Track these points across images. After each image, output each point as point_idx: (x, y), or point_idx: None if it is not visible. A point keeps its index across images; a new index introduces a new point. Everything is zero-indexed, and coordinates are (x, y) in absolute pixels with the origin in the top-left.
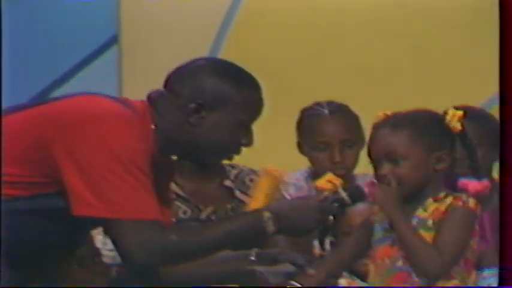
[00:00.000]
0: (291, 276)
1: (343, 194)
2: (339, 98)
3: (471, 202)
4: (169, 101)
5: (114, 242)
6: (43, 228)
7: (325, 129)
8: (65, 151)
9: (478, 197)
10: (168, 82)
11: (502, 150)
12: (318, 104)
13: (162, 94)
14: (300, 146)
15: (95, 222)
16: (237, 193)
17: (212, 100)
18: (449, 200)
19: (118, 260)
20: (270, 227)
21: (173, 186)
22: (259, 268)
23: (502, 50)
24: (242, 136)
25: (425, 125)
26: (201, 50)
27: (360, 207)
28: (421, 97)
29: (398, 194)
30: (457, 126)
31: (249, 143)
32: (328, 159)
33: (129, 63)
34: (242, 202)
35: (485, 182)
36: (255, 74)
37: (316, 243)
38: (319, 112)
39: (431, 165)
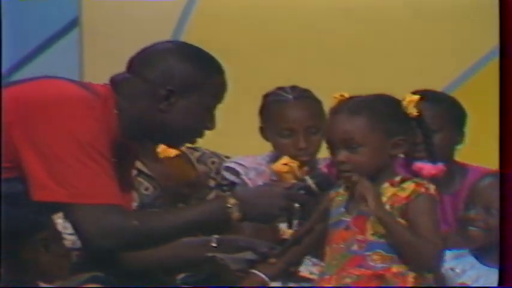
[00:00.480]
0: (252, 264)
1: (310, 182)
2: (302, 82)
3: (432, 188)
4: (135, 85)
5: (74, 227)
6: (6, 214)
7: (289, 115)
8: (24, 135)
9: (434, 180)
10: (132, 65)
11: (502, 149)
12: (282, 89)
13: (127, 78)
14: (263, 132)
15: (56, 207)
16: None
17: (182, 86)
18: (409, 185)
19: (78, 244)
20: (235, 213)
21: (137, 163)
22: (220, 255)
23: (502, 49)
24: (207, 120)
25: (382, 110)
26: (163, 33)
27: None
28: (383, 81)
29: (377, 189)
30: (413, 111)
31: (212, 126)
32: (293, 145)
33: (91, 46)
34: (206, 185)
35: (439, 166)
36: (217, 58)
37: (283, 225)
38: (283, 98)
39: (388, 150)
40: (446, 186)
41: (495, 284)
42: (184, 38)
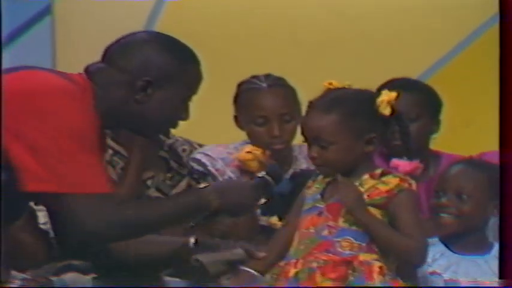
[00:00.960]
0: (232, 265)
1: (266, 176)
2: (276, 70)
3: (414, 184)
4: (111, 75)
5: (65, 217)
6: None
7: (263, 103)
8: (13, 127)
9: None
10: (108, 55)
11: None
12: (255, 77)
13: (102, 68)
14: (237, 120)
15: (44, 198)
16: (172, 163)
17: (159, 77)
18: (391, 179)
19: (51, 233)
20: (213, 202)
21: (113, 144)
22: (199, 256)
23: (502, 48)
24: (182, 111)
25: (353, 108)
26: (137, 20)
27: None
28: (359, 69)
29: (358, 190)
30: (386, 111)
31: (187, 117)
32: (267, 133)
33: (63, 33)
34: (178, 173)
35: (415, 163)
36: (192, 47)
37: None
38: (257, 86)
39: (361, 148)
40: (420, 174)
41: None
42: (157, 26)
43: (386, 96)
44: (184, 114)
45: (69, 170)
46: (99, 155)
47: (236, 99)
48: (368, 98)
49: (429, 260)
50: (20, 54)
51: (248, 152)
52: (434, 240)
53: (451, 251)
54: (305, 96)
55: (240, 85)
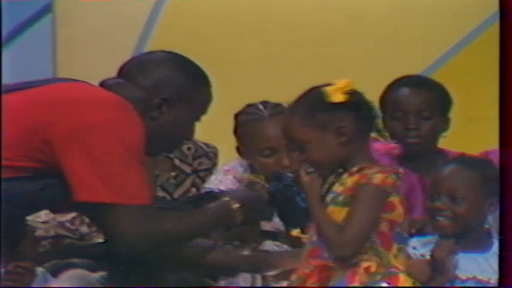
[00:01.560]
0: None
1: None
2: (277, 70)
3: (377, 178)
4: (128, 91)
5: (110, 227)
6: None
7: (269, 134)
8: (69, 137)
9: (390, 157)
10: (126, 71)
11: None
12: (253, 106)
13: (120, 83)
14: (240, 152)
15: (77, 207)
16: (176, 162)
17: (175, 96)
18: (348, 179)
19: (51, 232)
20: (238, 218)
21: None
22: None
23: (502, 46)
24: (190, 131)
25: (309, 105)
26: (137, 20)
27: None
28: (359, 68)
29: (319, 182)
30: (337, 98)
31: (192, 137)
32: (276, 164)
33: (64, 33)
34: (182, 171)
35: (391, 144)
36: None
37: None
38: (257, 116)
39: (334, 140)
40: (428, 171)
41: (465, 270)
42: (159, 22)
43: (336, 85)
44: (190, 134)
45: (125, 182)
46: (145, 167)
47: (236, 131)
48: (319, 91)
49: (428, 257)
50: (21, 52)
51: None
52: (433, 239)
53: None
54: None
55: (238, 116)
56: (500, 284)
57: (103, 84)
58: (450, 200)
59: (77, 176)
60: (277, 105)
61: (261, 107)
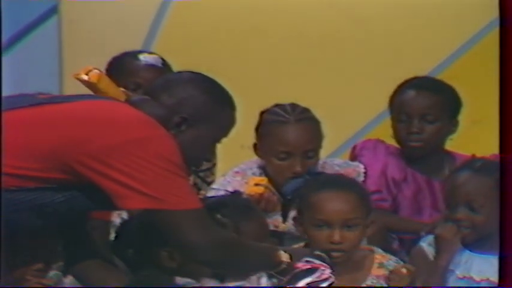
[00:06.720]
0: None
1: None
2: (282, 70)
3: None
4: (152, 108)
5: (171, 232)
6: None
7: (289, 139)
8: (106, 153)
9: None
10: (152, 89)
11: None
12: (281, 107)
13: (146, 100)
14: (257, 149)
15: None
16: None
17: (195, 116)
18: None
19: None
20: (282, 266)
21: None
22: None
23: (502, 52)
24: (209, 152)
25: None
26: (142, 21)
27: None
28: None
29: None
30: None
31: (211, 159)
32: (288, 168)
33: (70, 34)
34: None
35: None
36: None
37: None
38: (283, 119)
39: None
40: (436, 173)
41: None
42: (164, 23)
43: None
44: (210, 155)
45: (172, 188)
46: (188, 177)
47: (258, 128)
48: None
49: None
50: (26, 53)
51: (257, 184)
52: None
53: (468, 249)
54: (310, 97)
55: (263, 114)
56: (500, 284)
57: (128, 101)
58: (468, 210)
59: (122, 186)
60: (305, 111)
61: (288, 109)
